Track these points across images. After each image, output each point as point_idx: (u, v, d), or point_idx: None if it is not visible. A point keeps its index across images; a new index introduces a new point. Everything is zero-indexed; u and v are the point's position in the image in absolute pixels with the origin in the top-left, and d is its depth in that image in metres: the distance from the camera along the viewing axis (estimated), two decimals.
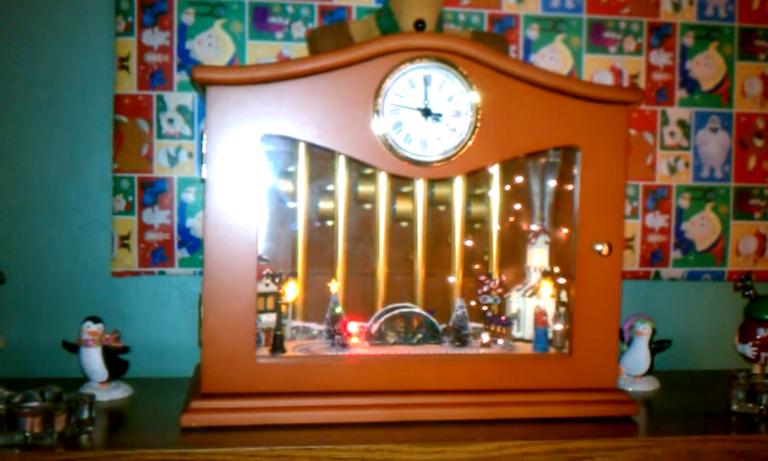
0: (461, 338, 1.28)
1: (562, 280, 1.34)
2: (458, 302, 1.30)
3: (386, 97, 1.18)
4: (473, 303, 1.36)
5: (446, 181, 1.37)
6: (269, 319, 1.26)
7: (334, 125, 1.17)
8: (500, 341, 1.32)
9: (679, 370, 1.62)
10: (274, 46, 1.50)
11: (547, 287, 1.36)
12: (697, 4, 1.61)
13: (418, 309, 1.31)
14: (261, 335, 1.24)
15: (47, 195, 1.50)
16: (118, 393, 1.32)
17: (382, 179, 1.34)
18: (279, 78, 1.15)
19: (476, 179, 1.40)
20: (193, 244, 1.49)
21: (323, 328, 1.29)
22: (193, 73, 1.13)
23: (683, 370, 1.63)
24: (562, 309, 1.31)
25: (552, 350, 1.30)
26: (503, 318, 1.32)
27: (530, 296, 1.37)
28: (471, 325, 1.31)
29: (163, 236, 1.48)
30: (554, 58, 1.57)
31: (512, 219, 1.44)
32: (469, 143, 1.21)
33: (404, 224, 1.40)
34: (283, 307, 1.27)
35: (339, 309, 1.26)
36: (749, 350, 1.45)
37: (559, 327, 1.31)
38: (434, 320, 1.30)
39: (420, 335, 1.29)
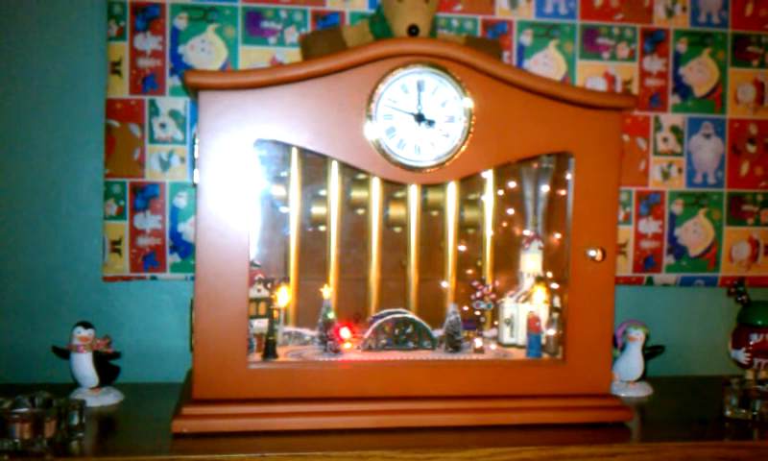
0: (454, 344, 1.28)
1: (555, 286, 1.34)
2: (451, 307, 1.30)
3: (379, 102, 1.18)
4: (466, 308, 1.35)
5: (440, 186, 1.36)
6: (261, 324, 1.25)
7: (327, 130, 1.17)
8: (493, 346, 1.32)
9: (672, 376, 1.61)
10: (267, 51, 1.49)
11: (540, 293, 1.36)
12: (690, 10, 1.61)
13: (411, 315, 1.30)
14: (253, 341, 1.24)
15: (38, 199, 1.49)
16: (109, 399, 1.32)
17: (375, 184, 1.34)
18: (272, 83, 1.15)
19: (469, 184, 1.40)
20: (185, 249, 1.48)
21: (315, 334, 1.28)
22: (185, 77, 1.12)
23: (676, 376, 1.62)
24: (555, 315, 1.31)
25: (545, 355, 1.29)
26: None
27: (523, 301, 1.36)
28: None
29: (155, 241, 1.47)
30: (547, 64, 1.57)
31: (505, 224, 1.44)
32: (463, 149, 1.20)
33: (397, 229, 1.40)
34: (275, 313, 1.27)
35: (331, 315, 1.25)
36: (742, 355, 1.45)
37: (552, 332, 1.30)
38: (427, 325, 1.29)
39: (412, 341, 1.28)
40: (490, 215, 1.39)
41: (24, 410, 1.10)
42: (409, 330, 1.29)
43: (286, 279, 1.33)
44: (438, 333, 1.30)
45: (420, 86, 1.20)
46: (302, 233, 1.35)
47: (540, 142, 1.23)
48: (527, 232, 1.41)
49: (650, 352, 1.47)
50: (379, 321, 1.28)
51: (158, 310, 1.53)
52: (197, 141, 1.14)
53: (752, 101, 1.64)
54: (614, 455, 1.14)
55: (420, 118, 1.20)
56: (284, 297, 1.30)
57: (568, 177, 1.24)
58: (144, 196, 1.47)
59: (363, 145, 1.18)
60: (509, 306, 1.37)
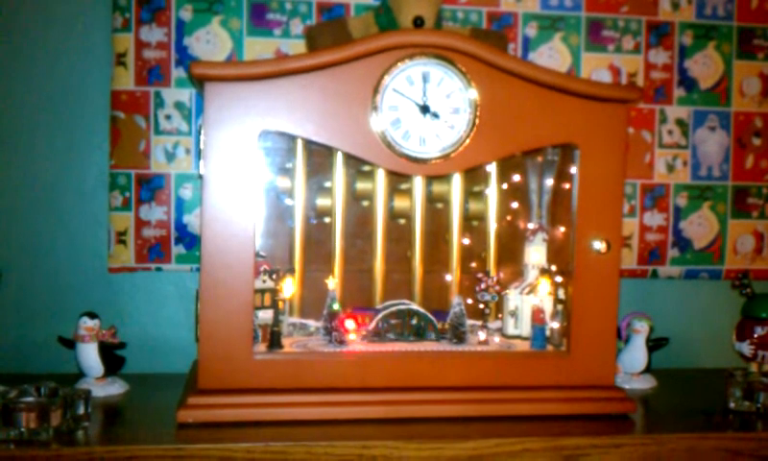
0: (458, 335, 1.28)
1: (559, 278, 1.34)
2: (456, 299, 1.30)
3: (384, 94, 1.18)
4: (471, 300, 1.36)
5: (445, 178, 1.36)
6: (266, 315, 1.26)
7: (332, 121, 1.17)
8: (497, 339, 1.32)
9: (676, 368, 1.62)
10: (272, 43, 1.49)
11: (545, 285, 1.36)
12: (696, 3, 1.61)
13: (415, 306, 1.30)
14: (258, 331, 1.24)
15: (44, 191, 1.50)
16: (114, 389, 1.32)
17: (380, 176, 1.34)
18: (277, 74, 1.15)
19: (474, 176, 1.40)
20: (190, 240, 1.49)
21: (320, 325, 1.29)
22: (191, 69, 1.12)
23: (680, 368, 1.63)
24: (559, 307, 1.31)
25: (550, 347, 1.30)
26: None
27: (528, 293, 1.36)
28: (469, 322, 1.31)
29: (160, 232, 1.48)
30: (552, 56, 1.57)
31: (509, 217, 1.44)
32: (468, 140, 1.21)
33: (402, 221, 1.40)
34: (280, 304, 1.27)
35: (336, 306, 1.26)
36: (746, 348, 1.45)
37: (556, 324, 1.31)
38: (431, 317, 1.29)
39: (417, 332, 1.29)
40: (494, 207, 1.39)
41: (30, 399, 1.11)
42: (414, 322, 1.29)
43: (291, 270, 1.33)
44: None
45: (425, 78, 1.20)
46: (307, 225, 1.35)
47: (545, 134, 1.23)
48: (532, 225, 1.41)
49: (654, 345, 1.48)
50: (384, 313, 1.28)
51: (164, 301, 1.53)
52: (202, 132, 1.15)
53: (757, 94, 1.64)
54: (618, 447, 1.14)
55: (425, 110, 1.20)
56: (289, 288, 1.30)
57: (573, 169, 1.24)
58: (149, 187, 1.47)
59: (368, 136, 1.18)
60: (513, 298, 1.37)
